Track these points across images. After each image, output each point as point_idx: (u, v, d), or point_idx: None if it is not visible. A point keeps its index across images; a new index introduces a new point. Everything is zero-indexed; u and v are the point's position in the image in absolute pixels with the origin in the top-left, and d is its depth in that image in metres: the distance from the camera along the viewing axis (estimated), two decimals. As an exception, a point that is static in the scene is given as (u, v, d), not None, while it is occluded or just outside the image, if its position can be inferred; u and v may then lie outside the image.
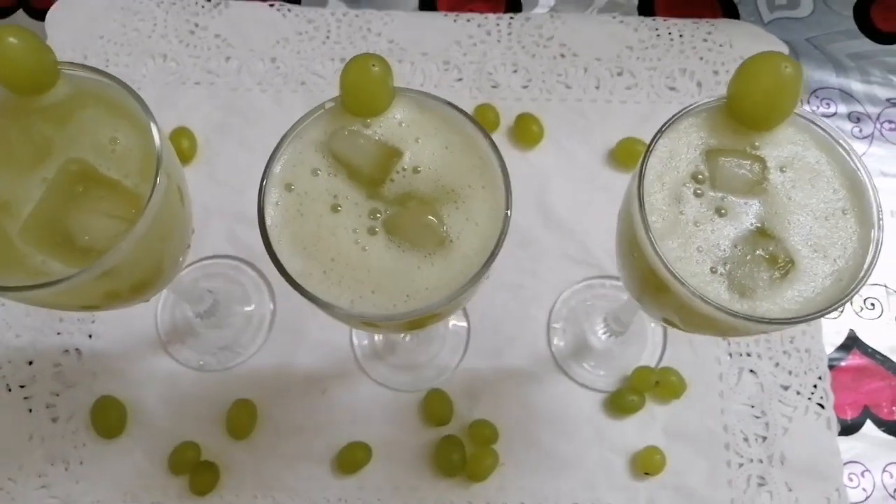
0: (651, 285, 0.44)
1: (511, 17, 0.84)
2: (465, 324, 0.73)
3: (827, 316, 0.40)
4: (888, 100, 0.82)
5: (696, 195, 0.42)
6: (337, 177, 0.42)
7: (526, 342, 0.73)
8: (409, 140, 0.43)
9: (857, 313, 0.75)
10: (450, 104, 0.42)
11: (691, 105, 0.43)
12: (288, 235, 0.41)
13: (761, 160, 0.42)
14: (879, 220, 0.42)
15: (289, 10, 0.83)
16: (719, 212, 0.42)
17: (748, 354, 0.72)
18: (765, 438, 0.70)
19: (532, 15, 0.84)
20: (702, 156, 0.42)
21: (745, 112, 0.42)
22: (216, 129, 0.78)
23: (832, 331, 0.74)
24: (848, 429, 0.71)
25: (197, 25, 0.82)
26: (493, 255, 0.39)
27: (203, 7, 0.82)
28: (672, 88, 0.81)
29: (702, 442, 0.69)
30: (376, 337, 0.72)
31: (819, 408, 0.70)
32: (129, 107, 0.43)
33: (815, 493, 0.68)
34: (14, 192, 0.41)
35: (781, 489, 0.68)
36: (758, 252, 0.40)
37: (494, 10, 0.85)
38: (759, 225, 0.41)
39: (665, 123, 0.42)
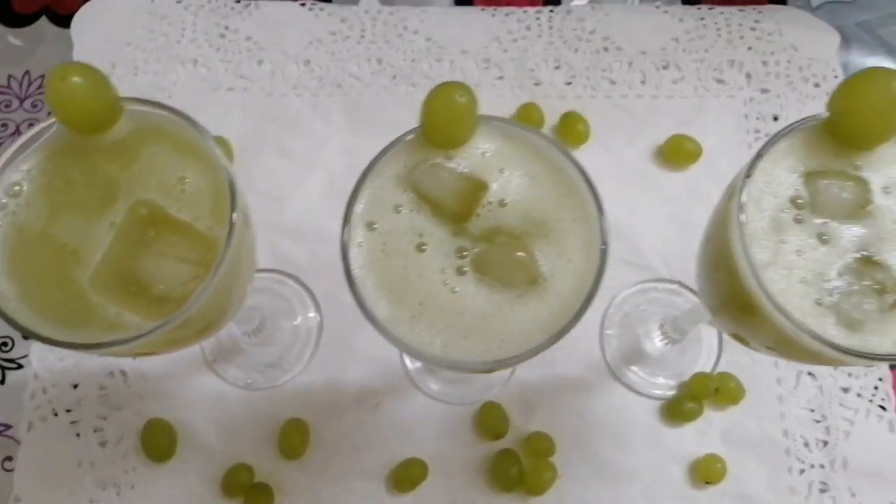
0: (742, 311, 0.42)
1: (551, 10, 0.81)
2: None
3: None
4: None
5: (797, 221, 0.40)
6: (420, 213, 0.40)
7: (578, 349, 0.71)
8: (494, 171, 0.40)
9: (915, 311, 0.73)
10: (535, 131, 0.40)
11: (788, 126, 0.40)
12: (373, 279, 0.38)
13: (864, 182, 0.40)
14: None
15: (321, 10, 0.80)
16: (821, 238, 0.40)
17: (807, 357, 0.70)
18: (826, 443, 0.68)
19: (573, 7, 0.81)
20: (801, 178, 0.40)
21: (849, 131, 0.40)
22: (252, 136, 0.75)
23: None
24: (911, 430, 0.70)
25: (227, 28, 0.78)
26: (590, 296, 0.37)
27: (232, 8, 0.79)
28: (720, 81, 0.79)
29: (762, 448, 0.68)
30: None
31: (881, 410, 0.69)
32: (195, 141, 0.40)
33: (880, 498, 0.66)
34: (82, 239, 0.38)
35: (844, 495, 0.67)
36: (865, 282, 0.38)
37: (532, 3, 0.82)
38: (864, 252, 0.39)
39: (762, 147, 0.40)
